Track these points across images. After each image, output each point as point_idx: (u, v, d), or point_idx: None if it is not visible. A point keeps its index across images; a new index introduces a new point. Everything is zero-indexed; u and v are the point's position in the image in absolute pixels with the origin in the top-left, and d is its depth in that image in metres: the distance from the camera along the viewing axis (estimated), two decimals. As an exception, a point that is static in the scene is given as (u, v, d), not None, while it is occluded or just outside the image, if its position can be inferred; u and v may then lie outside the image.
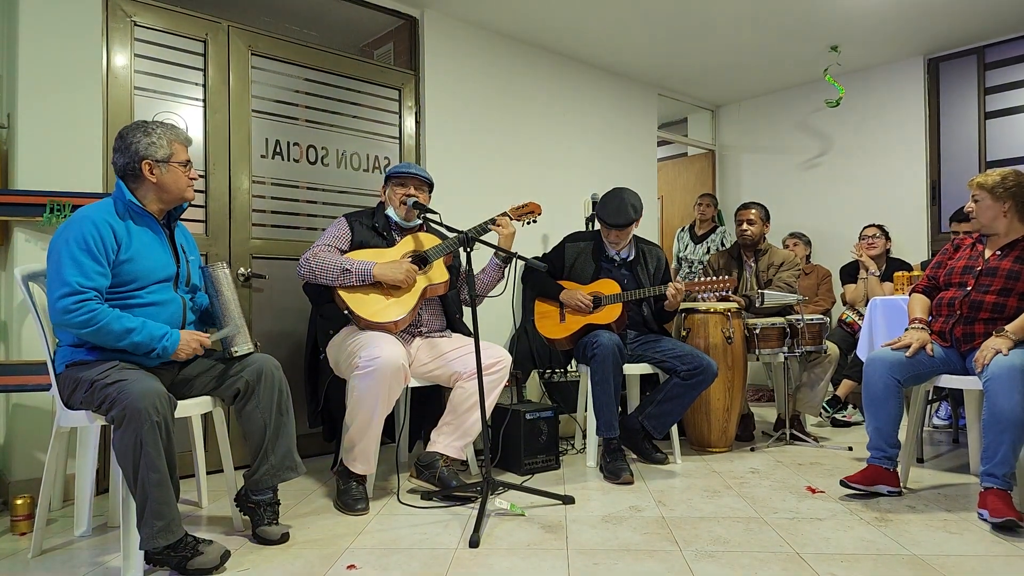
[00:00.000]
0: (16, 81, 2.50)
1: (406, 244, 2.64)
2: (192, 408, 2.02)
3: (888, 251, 4.19)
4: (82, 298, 1.79)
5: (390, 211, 2.67)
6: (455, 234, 2.51)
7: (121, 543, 1.79)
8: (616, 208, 2.97)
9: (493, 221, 2.68)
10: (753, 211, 3.55)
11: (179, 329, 1.98)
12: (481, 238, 2.54)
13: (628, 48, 4.31)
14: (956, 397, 3.44)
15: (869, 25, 4.03)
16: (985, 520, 2.12)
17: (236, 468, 2.27)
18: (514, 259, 2.56)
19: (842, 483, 2.44)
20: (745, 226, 3.54)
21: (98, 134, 2.65)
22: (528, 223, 2.85)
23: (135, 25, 2.76)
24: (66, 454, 2.38)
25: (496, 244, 2.64)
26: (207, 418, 2.70)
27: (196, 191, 2.87)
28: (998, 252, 2.47)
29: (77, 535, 2.15)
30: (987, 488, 2.17)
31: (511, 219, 2.75)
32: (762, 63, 4.65)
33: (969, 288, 2.46)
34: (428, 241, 2.66)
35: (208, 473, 2.53)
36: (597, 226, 3.15)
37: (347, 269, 2.45)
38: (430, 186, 2.74)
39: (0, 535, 2.14)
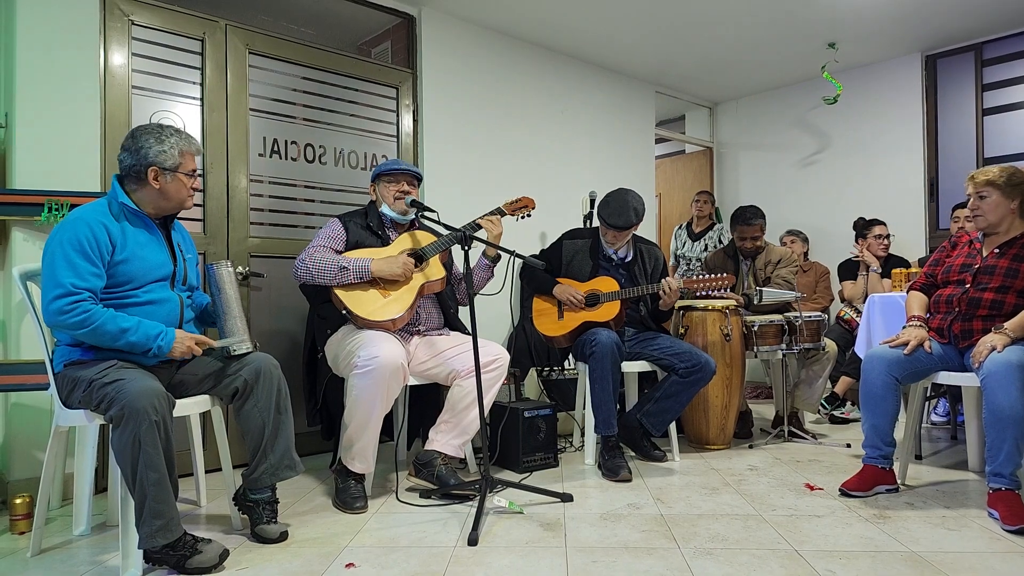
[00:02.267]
0: (14, 81, 2.50)
1: (402, 242, 2.64)
2: (190, 407, 2.02)
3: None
4: (76, 299, 1.79)
5: (384, 208, 2.66)
6: (449, 231, 2.51)
7: (120, 542, 1.79)
8: (617, 209, 2.96)
9: (478, 225, 2.66)
10: (759, 227, 3.52)
11: (176, 328, 1.98)
12: (476, 235, 2.54)
13: (625, 45, 4.31)
14: (954, 393, 3.45)
15: (867, 22, 4.03)
16: (996, 519, 2.12)
17: (235, 467, 2.27)
18: (506, 259, 2.55)
19: (842, 492, 2.44)
20: (750, 242, 3.52)
21: (96, 134, 2.64)
22: (522, 217, 2.85)
23: (132, 24, 2.76)
24: (65, 453, 2.38)
25: (488, 241, 2.64)
26: (205, 417, 2.70)
27: (194, 190, 2.89)
28: (996, 250, 2.47)
29: (76, 534, 2.15)
30: (995, 490, 2.17)
31: (505, 214, 2.75)
32: (760, 60, 4.65)
33: (967, 286, 2.46)
34: (423, 238, 2.66)
35: (207, 472, 2.53)
36: (596, 223, 3.15)
37: (344, 267, 2.45)
38: (419, 180, 2.74)
39: (-1, 534, 2.15)
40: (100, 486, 2.54)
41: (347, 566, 1.84)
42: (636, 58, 4.52)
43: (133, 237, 1.94)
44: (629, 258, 3.11)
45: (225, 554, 1.84)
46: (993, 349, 2.22)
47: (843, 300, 4.20)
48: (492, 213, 2.72)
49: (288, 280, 3.09)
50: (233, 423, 2.70)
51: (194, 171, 2.03)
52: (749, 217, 3.52)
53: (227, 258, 2.97)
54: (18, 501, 2.17)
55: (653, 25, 4.01)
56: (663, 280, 2.87)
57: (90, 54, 2.64)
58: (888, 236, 4.10)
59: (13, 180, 2.49)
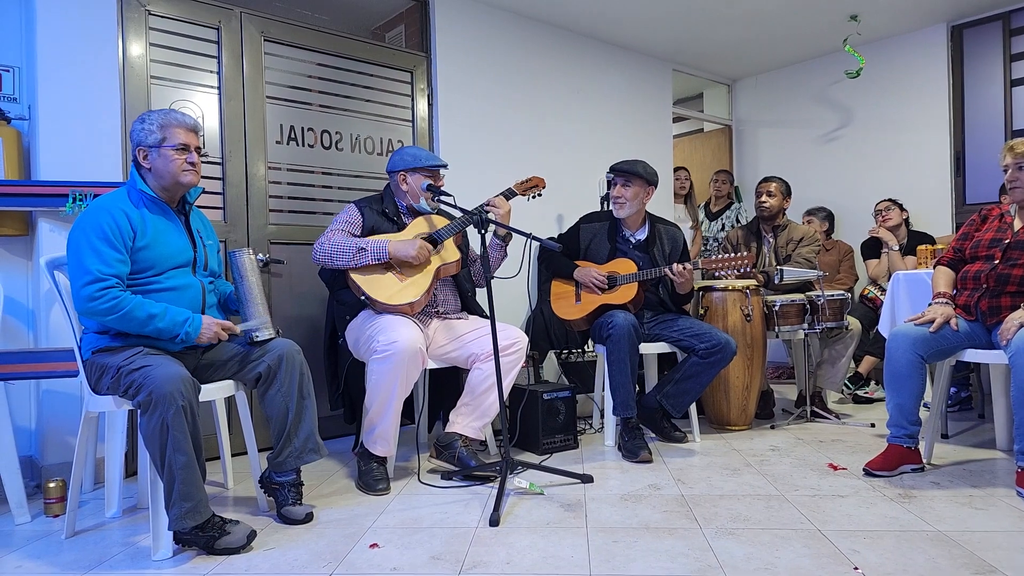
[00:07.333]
0: (35, 73, 2.53)
1: (417, 226, 2.64)
2: (215, 392, 2.06)
3: (907, 222, 4.12)
4: (105, 285, 1.82)
5: (422, 203, 2.62)
6: (463, 214, 2.51)
7: (151, 524, 1.83)
8: (625, 162, 3.01)
9: (487, 204, 2.66)
10: (773, 184, 3.53)
11: (199, 313, 2.01)
12: (490, 216, 2.54)
13: (642, 23, 4.23)
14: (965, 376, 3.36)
15: (891, -8, 3.91)
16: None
17: (260, 450, 2.31)
18: (523, 241, 2.55)
19: (866, 472, 2.41)
20: (764, 198, 3.52)
21: (116, 124, 2.67)
22: (533, 197, 2.84)
23: (149, 14, 2.77)
24: (95, 438, 2.43)
25: (499, 221, 2.64)
26: (230, 401, 2.75)
27: (214, 178, 2.92)
28: (1027, 224, 2.41)
29: (108, 516, 2.21)
30: None
31: (516, 194, 2.77)
32: (779, 35, 4.54)
33: (996, 261, 2.41)
34: (437, 222, 2.67)
35: (233, 455, 2.58)
36: (612, 205, 3.13)
37: (362, 248, 2.47)
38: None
39: (34, 517, 2.21)
40: (130, 470, 2.60)
41: (371, 546, 1.87)
42: (653, 36, 4.44)
43: (153, 224, 1.97)
44: (645, 237, 3.08)
45: (252, 535, 1.88)
46: (1022, 326, 2.17)
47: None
48: (502, 194, 2.72)
49: (308, 266, 3.11)
50: (257, 407, 2.74)
51: (185, 145, 1.98)
52: (770, 177, 3.58)
53: (247, 245, 3.00)
54: (52, 485, 2.23)
55: (670, 1, 3.93)
56: (673, 265, 2.82)
57: (109, 45, 2.66)
58: (888, 208, 4.03)
59: (37, 172, 2.53)
